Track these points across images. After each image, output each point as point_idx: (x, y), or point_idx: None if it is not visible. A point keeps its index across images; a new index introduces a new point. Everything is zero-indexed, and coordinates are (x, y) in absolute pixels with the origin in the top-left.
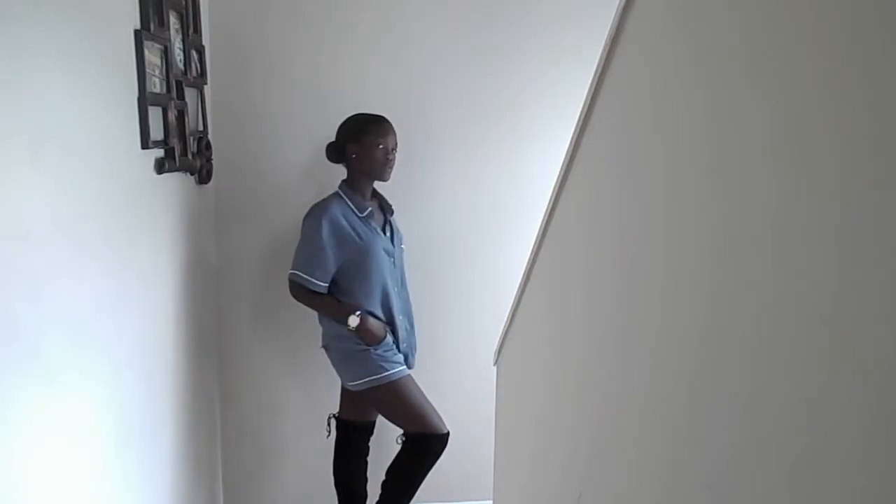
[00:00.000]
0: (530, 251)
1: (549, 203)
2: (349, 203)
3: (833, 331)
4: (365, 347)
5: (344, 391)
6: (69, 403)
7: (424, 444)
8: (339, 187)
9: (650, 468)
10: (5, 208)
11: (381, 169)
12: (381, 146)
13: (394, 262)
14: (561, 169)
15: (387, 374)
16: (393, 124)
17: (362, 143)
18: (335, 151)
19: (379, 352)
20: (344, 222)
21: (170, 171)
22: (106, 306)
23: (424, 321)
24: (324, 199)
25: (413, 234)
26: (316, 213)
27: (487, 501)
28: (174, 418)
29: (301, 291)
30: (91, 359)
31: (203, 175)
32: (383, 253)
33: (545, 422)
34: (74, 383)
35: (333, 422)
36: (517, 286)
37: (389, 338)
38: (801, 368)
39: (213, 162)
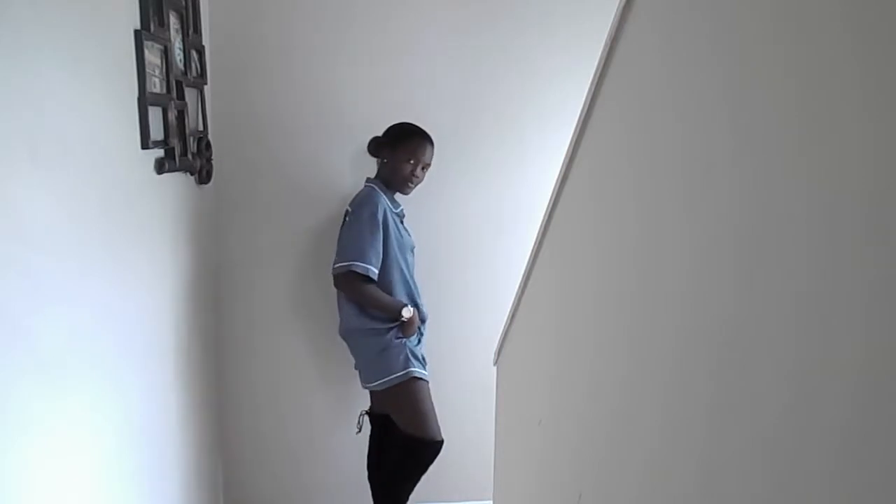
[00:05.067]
0: (530, 251)
1: (549, 202)
2: (387, 199)
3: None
4: (401, 339)
5: None
6: (69, 404)
7: (419, 450)
8: (374, 183)
9: (651, 469)
10: (5, 208)
11: (403, 183)
12: (410, 161)
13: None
14: (561, 168)
15: (412, 370)
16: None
17: (396, 152)
18: (376, 148)
19: (412, 346)
20: (388, 216)
21: (170, 171)
22: (105, 306)
23: None
24: (369, 192)
25: (412, 234)
26: (371, 201)
27: (487, 501)
28: (174, 418)
29: (353, 281)
30: (91, 359)
31: (203, 175)
32: (410, 252)
33: (545, 422)
34: (74, 383)
35: (365, 417)
36: (517, 286)
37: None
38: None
39: (213, 162)
